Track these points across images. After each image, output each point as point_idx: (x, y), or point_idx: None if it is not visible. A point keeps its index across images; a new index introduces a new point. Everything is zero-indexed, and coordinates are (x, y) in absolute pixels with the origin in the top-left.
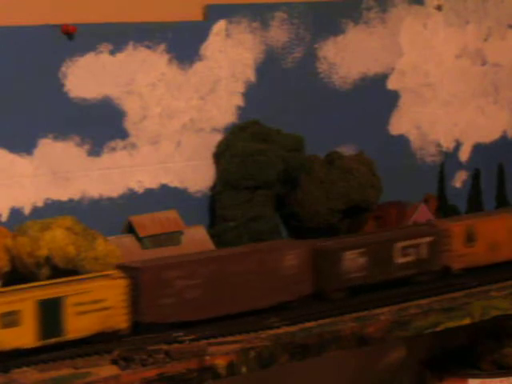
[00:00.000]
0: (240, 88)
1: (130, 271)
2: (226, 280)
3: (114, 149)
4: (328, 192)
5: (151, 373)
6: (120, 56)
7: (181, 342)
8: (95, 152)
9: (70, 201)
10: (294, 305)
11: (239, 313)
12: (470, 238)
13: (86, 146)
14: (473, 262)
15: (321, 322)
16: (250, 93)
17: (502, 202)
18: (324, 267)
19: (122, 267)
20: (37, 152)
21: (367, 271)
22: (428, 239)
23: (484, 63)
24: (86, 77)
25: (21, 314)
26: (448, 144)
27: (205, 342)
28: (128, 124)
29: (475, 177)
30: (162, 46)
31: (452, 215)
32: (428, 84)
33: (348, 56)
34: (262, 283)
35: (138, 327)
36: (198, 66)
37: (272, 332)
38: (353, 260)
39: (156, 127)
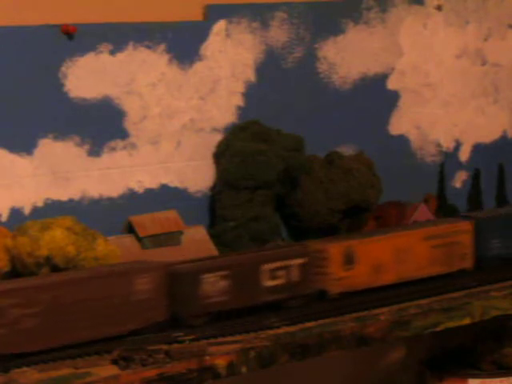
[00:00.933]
0: (240, 88)
1: None
2: (66, 308)
3: (113, 149)
4: (328, 192)
5: (151, 373)
6: (120, 56)
7: (181, 342)
8: (95, 152)
9: (70, 201)
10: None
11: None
12: (348, 260)
13: (86, 146)
14: (353, 286)
15: (321, 322)
16: (250, 93)
17: (502, 202)
18: (180, 291)
19: None
20: (37, 152)
21: (230, 295)
22: (299, 261)
23: (484, 63)
24: (86, 77)
25: None
26: (448, 144)
27: (205, 341)
28: (128, 124)
29: (475, 177)
30: (162, 46)
31: (452, 215)
32: (428, 84)
33: (348, 56)
34: (108, 310)
35: None
36: (198, 66)
37: (272, 332)
38: (213, 283)
39: (156, 127)
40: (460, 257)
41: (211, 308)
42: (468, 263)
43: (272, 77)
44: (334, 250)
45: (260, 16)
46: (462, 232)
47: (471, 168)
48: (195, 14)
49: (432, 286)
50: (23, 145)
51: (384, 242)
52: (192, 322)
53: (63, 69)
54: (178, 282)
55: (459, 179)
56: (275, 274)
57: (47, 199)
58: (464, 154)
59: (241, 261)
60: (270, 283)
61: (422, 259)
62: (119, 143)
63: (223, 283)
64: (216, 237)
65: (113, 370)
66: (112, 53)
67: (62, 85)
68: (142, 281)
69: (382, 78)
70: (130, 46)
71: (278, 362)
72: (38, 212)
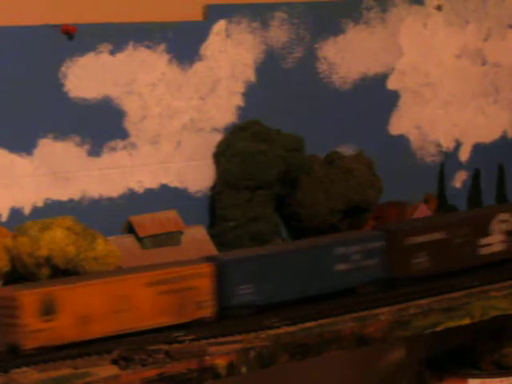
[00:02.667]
0: (240, 88)
1: None
2: None
3: (113, 149)
4: (328, 192)
5: (151, 373)
6: (120, 56)
7: (181, 342)
8: (95, 152)
9: (70, 201)
10: None
11: None
12: (47, 310)
13: (86, 146)
14: (54, 340)
15: (321, 321)
16: (250, 93)
17: (502, 202)
18: None
19: None
20: (37, 152)
21: None
22: None
23: (484, 63)
24: (86, 77)
25: None
26: (448, 144)
27: (205, 341)
28: (128, 124)
29: (475, 177)
30: (162, 46)
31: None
32: (428, 84)
33: (348, 56)
34: None
35: None
36: (198, 66)
37: (272, 332)
38: None
39: (156, 127)
40: (196, 305)
41: None
42: (207, 312)
43: (272, 77)
44: (28, 297)
45: (260, 16)
46: (198, 276)
47: (471, 168)
48: (195, 14)
49: (432, 286)
50: (23, 145)
51: (95, 288)
52: None
53: (63, 69)
54: None
55: (459, 179)
56: None
57: (47, 199)
58: (464, 154)
59: None
60: None
61: (145, 308)
62: (119, 143)
63: None
64: (216, 237)
65: (113, 370)
66: (112, 53)
67: (62, 85)
68: None
69: (381, 78)
70: (130, 46)
71: (277, 362)
72: (37, 212)
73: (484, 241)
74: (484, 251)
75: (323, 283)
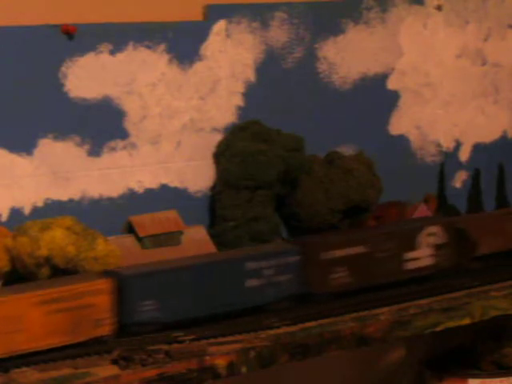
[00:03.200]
0: (240, 88)
1: None
2: None
3: (113, 149)
4: (328, 192)
5: (151, 373)
6: (120, 56)
7: (181, 342)
8: (95, 152)
9: (70, 201)
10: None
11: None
12: None
13: (86, 146)
14: None
15: (321, 321)
16: (250, 93)
17: (502, 202)
18: None
19: None
20: (37, 152)
21: None
22: None
23: (484, 63)
24: (86, 77)
25: None
26: (448, 144)
27: (205, 341)
28: (128, 124)
29: (475, 177)
30: (162, 46)
31: (452, 215)
32: (428, 84)
33: (348, 56)
34: None
35: None
36: (198, 66)
37: (272, 332)
38: None
39: (156, 127)
40: (94, 323)
41: None
42: (105, 330)
43: (272, 77)
44: None
45: (260, 16)
46: (96, 293)
47: (471, 168)
48: (195, 13)
49: (432, 286)
50: (23, 145)
51: None
52: None
53: (63, 69)
54: None
55: (459, 179)
56: None
57: (47, 199)
58: (464, 154)
59: None
60: None
61: (36, 328)
62: (119, 143)
63: None
64: (216, 237)
65: (113, 370)
66: (112, 53)
67: (62, 85)
68: None
69: (381, 78)
70: (130, 46)
71: (277, 362)
72: (37, 212)
73: (410, 255)
74: (411, 266)
75: (233, 300)
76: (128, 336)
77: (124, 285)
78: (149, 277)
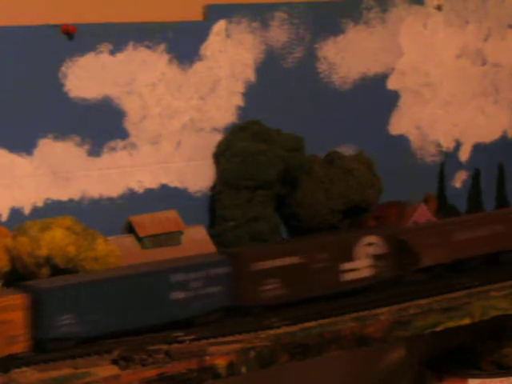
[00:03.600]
0: (240, 88)
1: None
2: None
3: (113, 149)
4: (328, 192)
5: (151, 373)
6: (120, 56)
7: (181, 342)
8: (95, 152)
9: (70, 201)
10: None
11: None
12: None
13: (86, 146)
14: None
15: (321, 321)
16: (250, 93)
17: (502, 202)
18: None
19: None
20: (37, 152)
21: None
22: None
23: (484, 63)
24: (86, 77)
25: None
26: (448, 144)
27: (205, 341)
28: (128, 124)
29: (475, 177)
30: (162, 46)
31: (452, 215)
32: (428, 84)
33: (348, 56)
34: None
35: None
36: (198, 66)
37: (272, 332)
38: None
39: (156, 127)
40: (8, 340)
41: None
42: (19, 347)
43: (272, 77)
44: None
45: (260, 16)
46: (9, 309)
47: (471, 168)
48: (195, 13)
49: (432, 286)
50: (23, 145)
51: None
52: None
53: (63, 69)
54: None
55: (459, 179)
56: None
57: (47, 199)
58: (464, 154)
59: None
60: None
61: None
62: (119, 143)
63: None
64: (216, 237)
65: (113, 370)
66: (112, 53)
67: (62, 85)
68: None
69: (381, 78)
70: (130, 46)
71: (277, 362)
72: (37, 212)
73: (348, 266)
74: (348, 277)
75: (158, 313)
76: (45, 352)
77: (40, 299)
78: (66, 290)
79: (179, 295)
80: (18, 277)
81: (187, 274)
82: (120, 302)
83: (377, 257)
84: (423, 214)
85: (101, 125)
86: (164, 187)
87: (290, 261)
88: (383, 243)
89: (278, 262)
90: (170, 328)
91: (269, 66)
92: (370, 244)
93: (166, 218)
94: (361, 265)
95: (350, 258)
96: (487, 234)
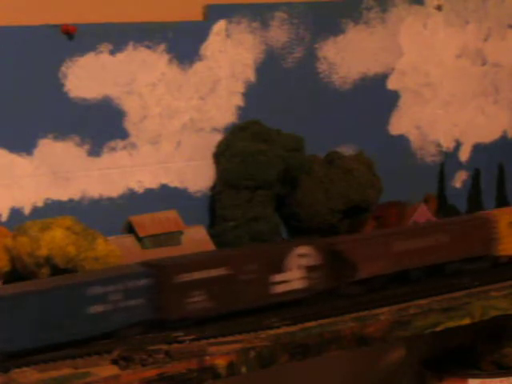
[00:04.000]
0: (240, 88)
1: None
2: None
3: (113, 149)
4: (328, 192)
5: (151, 373)
6: (120, 56)
7: (181, 342)
8: (95, 152)
9: (70, 201)
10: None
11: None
12: None
13: (86, 146)
14: None
15: (321, 321)
16: (250, 93)
17: (502, 202)
18: None
19: None
20: (37, 152)
21: None
22: None
23: (484, 63)
24: (86, 77)
25: None
26: (448, 144)
27: (205, 341)
28: (128, 124)
29: (475, 177)
30: (162, 46)
31: (452, 215)
32: (428, 84)
33: (348, 56)
34: None
35: None
36: (198, 66)
37: (272, 332)
38: None
39: (156, 127)
40: None
41: None
42: None
43: (272, 77)
44: None
45: (260, 16)
46: None
47: (471, 168)
48: (195, 13)
49: (432, 287)
50: (23, 145)
51: None
52: None
53: (63, 69)
54: None
55: (459, 179)
56: None
57: (47, 199)
58: (464, 154)
59: None
60: None
61: None
62: (119, 143)
63: None
64: (216, 237)
65: (113, 370)
66: (112, 53)
67: (62, 85)
68: None
69: (381, 78)
70: (130, 46)
71: (277, 362)
72: (37, 212)
73: (278, 277)
74: (279, 289)
75: (76, 327)
76: None
77: None
78: None
79: (98, 309)
80: (18, 277)
81: (105, 286)
82: (35, 317)
83: (310, 268)
84: (423, 214)
85: (101, 125)
86: (164, 187)
87: (217, 272)
88: (317, 254)
89: (204, 274)
90: (91, 341)
91: (269, 65)
92: (302, 255)
93: (166, 218)
94: (292, 276)
95: (280, 269)
96: (431, 245)
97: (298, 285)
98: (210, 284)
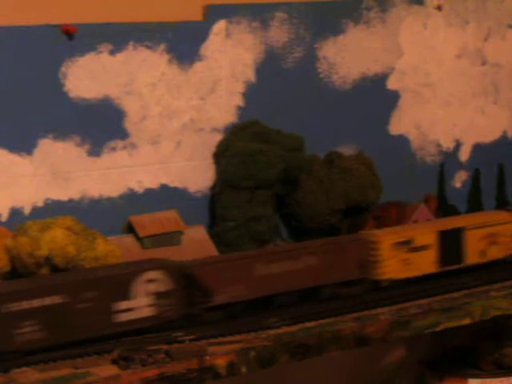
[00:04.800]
0: (240, 88)
1: None
2: None
3: (113, 149)
4: (328, 192)
5: (151, 373)
6: (120, 56)
7: (181, 342)
8: (95, 152)
9: (70, 201)
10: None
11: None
12: None
13: (86, 146)
14: None
15: (321, 321)
16: (250, 93)
17: (502, 202)
18: None
19: None
20: (37, 152)
21: None
22: None
23: (484, 63)
24: (86, 77)
25: None
26: (448, 144)
27: (205, 341)
28: (128, 124)
29: (475, 177)
30: (162, 46)
31: (452, 215)
32: (428, 84)
33: (348, 56)
34: None
35: None
36: (198, 66)
37: (272, 332)
38: None
39: (156, 127)
40: None
41: None
42: None
43: (272, 77)
44: None
45: (260, 16)
46: None
47: (471, 168)
48: (195, 14)
49: (432, 286)
50: (23, 145)
51: None
52: None
53: (63, 69)
54: None
55: (459, 179)
56: None
57: (47, 199)
58: (464, 154)
59: None
60: None
61: None
62: (119, 143)
63: None
64: (216, 237)
65: (113, 370)
66: (112, 53)
67: (62, 85)
68: None
69: (382, 78)
70: (130, 46)
71: (277, 362)
72: (37, 212)
73: (123, 305)
74: (124, 317)
75: None
76: None
77: None
78: None
79: None
80: (18, 277)
81: None
82: None
83: (159, 294)
84: (423, 214)
85: (101, 125)
86: (164, 187)
87: (51, 301)
88: (167, 279)
89: (36, 303)
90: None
91: (269, 65)
92: (150, 280)
93: (166, 218)
94: (139, 304)
95: (125, 296)
96: (298, 268)
97: (145, 313)
98: (42, 313)
